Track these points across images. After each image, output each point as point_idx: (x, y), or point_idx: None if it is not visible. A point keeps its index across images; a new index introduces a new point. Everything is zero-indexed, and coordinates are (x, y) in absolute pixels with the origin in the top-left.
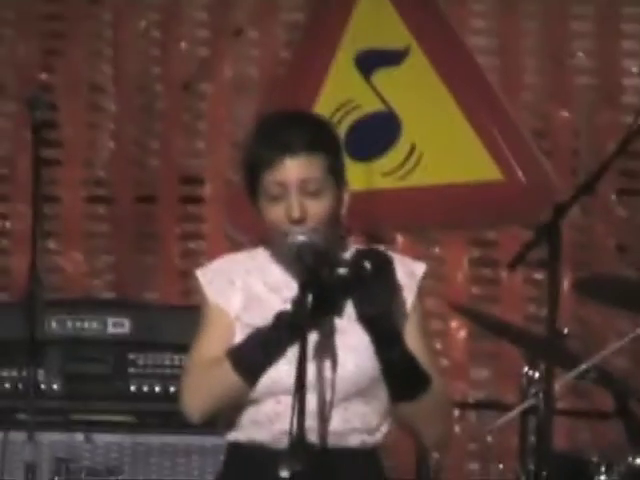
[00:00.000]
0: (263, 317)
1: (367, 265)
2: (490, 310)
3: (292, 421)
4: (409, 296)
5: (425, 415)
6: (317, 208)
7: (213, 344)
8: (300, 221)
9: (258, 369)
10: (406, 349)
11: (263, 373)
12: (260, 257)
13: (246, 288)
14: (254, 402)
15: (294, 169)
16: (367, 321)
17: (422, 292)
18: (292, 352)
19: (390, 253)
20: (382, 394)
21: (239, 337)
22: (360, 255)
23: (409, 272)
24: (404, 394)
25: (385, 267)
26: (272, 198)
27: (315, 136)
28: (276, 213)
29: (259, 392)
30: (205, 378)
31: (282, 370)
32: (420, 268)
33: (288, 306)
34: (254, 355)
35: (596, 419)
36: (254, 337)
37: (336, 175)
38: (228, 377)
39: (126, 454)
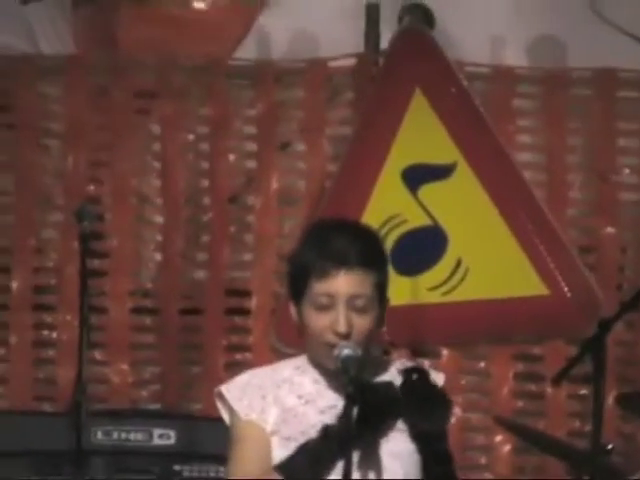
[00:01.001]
0: (301, 430)
1: (414, 377)
2: (535, 424)
3: None
4: None
5: None
6: (362, 324)
7: (253, 461)
8: (346, 336)
9: None
10: (454, 468)
11: None
12: (287, 370)
13: (278, 402)
14: None
15: (347, 283)
16: (423, 440)
17: None
18: (340, 464)
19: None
20: None
21: (278, 451)
22: (406, 371)
23: (434, 377)
24: None
25: (430, 384)
26: (319, 307)
27: (370, 251)
28: (322, 322)
29: None
30: None
31: None
32: (441, 379)
33: (325, 417)
34: (305, 470)
35: None
36: (303, 452)
37: (382, 292)
38: None
39: None
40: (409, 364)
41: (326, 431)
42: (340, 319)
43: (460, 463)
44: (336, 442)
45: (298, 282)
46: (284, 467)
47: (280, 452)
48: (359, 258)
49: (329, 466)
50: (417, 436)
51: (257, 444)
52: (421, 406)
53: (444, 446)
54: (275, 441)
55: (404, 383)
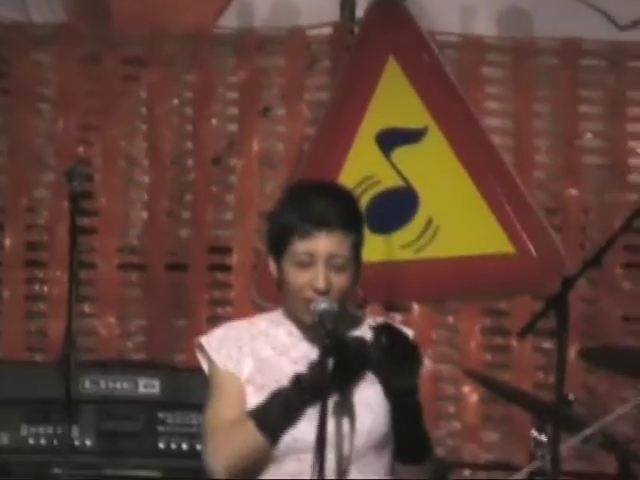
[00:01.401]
0: (275, 379)
1: (383, 333)
2: (501, 376)
3: (314, 477)
4: None
5: (419, 477)
6: (340, 282)
7: (229, 408)
8: (324, 293)
9: (280, 429)
10: (424, 423)
11: (285, 432)
12: (263, 323)
13: (254, 353)
14: (276, 460)
15: (327, 243)
16: (395, 395)
17: None
18: (310, 412)
19: (385, 319)
20: (389, 449)
21: (253, 399)
22: (377, 328)
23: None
24: (413, 458)
25: (405, 341)
26: (299, 264)
27: (349, 214)
28: (301, 279)
29: (281, 450)
30: (229, 439)
31: (302, 429)
32: (410, 332)
33: (297, 367)
34: (277, 416)
35: None
36: (275, 399)
37: (358, 252)
38: (252, 437)
39: None
40: (381, 320)
41: (298, 380)
42: (319, 277)
43: (430, 412)
44: (307, 390)
45: (279, 240)
46: (256, 413)
47: (254, 399)
48: (339, 220)
49: (299, 413)
50: (388, 390)
51: (233, 392)
52: (392, 362)
53: (414, 400)
54: (250, 389)
55: (376, 339)
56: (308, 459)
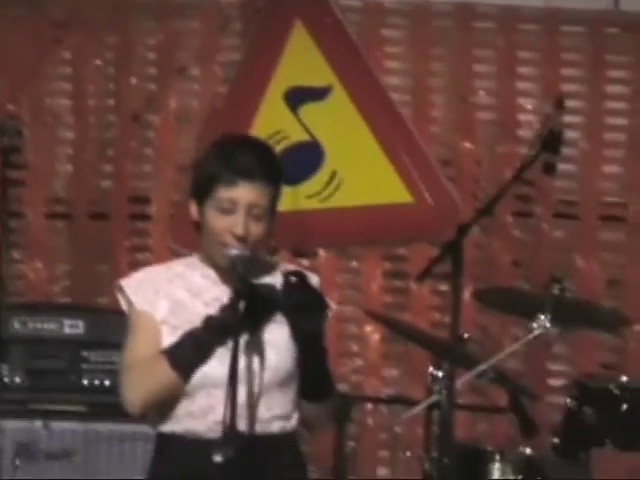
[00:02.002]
0: (188, 319)
1: (292, 280)
2: (401, 317)
3: (225, 411)
4: None
5: (322, 414)
6: (257, 230)
7: (144, 346)
8: (242, 239)
9: (192, 366)
10: (328, 364)
11: (196, 370)
12: (179, 267)
13: (170, 295)
14: (188, 396)
15: (248, 192)
16: (301, 338)
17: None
18: (220, 350)
19: (292, 265)
20: (294, 386)
21: (167, 338)
22: (287, 275)
23: (309, 278)
24: (316, 396)
25: (312, 289)
26: (221, 210)
27: (271, 168)
28: (221, 224)
29: (192, 386)
30: (143, 376)
31: (212, 366)
32: (315, 278)
33: (210, 309)
34: (188, 354)
35: (492, 413)
36: (187, 338)
37: (275, 204)
38: (165, 374)
39: (79, 440)
40: (291, 268)
41: (209, 321)
42: (239, 224)
43: (334, 351)
44: (217, 331)
45: (204, 187)
46: (169, 352)
47: (168, 339)
48: (262, 173)
49: (209, 352)
50: (295, 334)
51: (148, 332)
52: (299, 308)
53: (319, 343)
54: (165, 330)
55: (285, 285)
56: (218, 394)
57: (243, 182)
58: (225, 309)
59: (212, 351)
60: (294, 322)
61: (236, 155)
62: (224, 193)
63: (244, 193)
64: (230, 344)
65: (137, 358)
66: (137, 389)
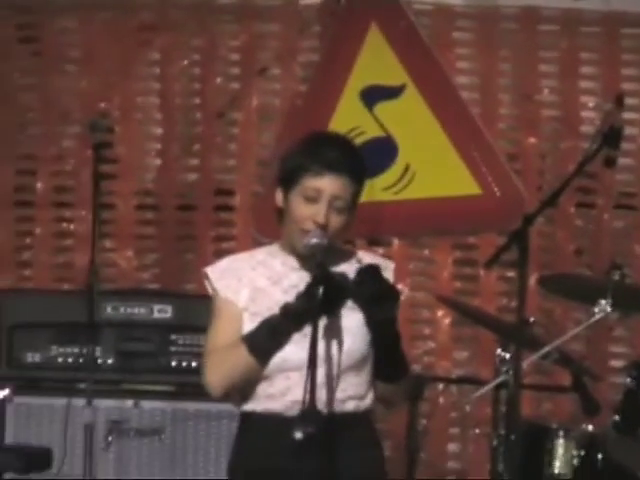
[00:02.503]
0: (267, 306)
1: (365, 276)
2: (470, 302)
3: (305, 392)
4: None
5: (398, 393)
6: (337, 222)
7: (227, 332)
8: (322, 227)
9: (269, 352)
10: (402, 348)
11: (273, 355)
12: (261, 255)
13: (251, 283)
14: (267, 378)
15: (332, 184)
16: (375, 326)
17: (396, 281)
18: (297, 336)
19: (369, 253)
20: (368, 368)
21: (247, 325)
22: (361, 268)
23: (384, 266)
24: (391, 377)
25: (384, 280)
26: (306, 198)
27: (357, 165)
28: (304, 212)
29: (270, 370)
30: (224, 360)
31: (289, 351)
32: (391, 264)
33: (288, 296)
34: (265, 341)
35: (556, 393)
36: (265, 325)
37: (356, 200)
38: (244, 359)
39: (167, 418)
40: (367, 257)
41: (285, 309)
42: (321, 212)
43: (407, 334)
44: (292, 318)
45: (293, 175)
46: (248, 338)
47: (249, 326)
48: (347, 168)
49: (286, 338)
50: (369, 321)
51: (230, 318)
52: (373, 298)
53: (392, 329)
54: (246, 316)
55: (359, 276)
56: (295, 376)
57: (329, 174)
58: (301, 297)
59: (288, 338)
60: (368, 311)
61: (325, 149)
62: (311, 182)
63: (329, 184)
64: (306, 330)
65: (218, 344)
66: (218, 373)
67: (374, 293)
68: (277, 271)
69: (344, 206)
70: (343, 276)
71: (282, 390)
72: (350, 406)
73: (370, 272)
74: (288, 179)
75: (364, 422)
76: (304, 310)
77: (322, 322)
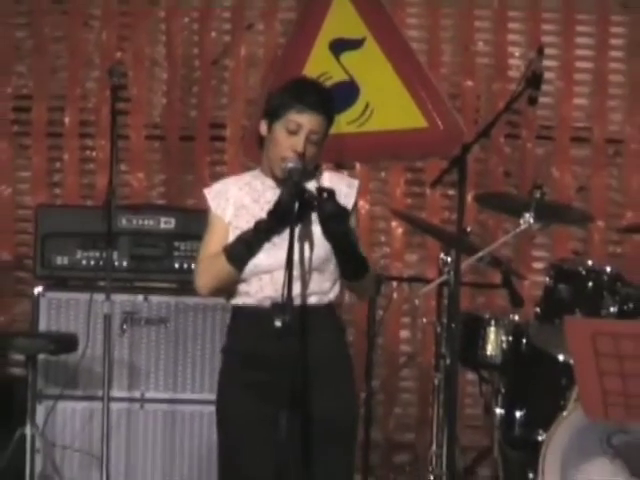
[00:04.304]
0: (246, 220)
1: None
2: (418, 215)
3: (283, 288)
4: (351, 200)
5: (363, 287)
6: (311, 151)
7: (214, 243)
8: (299, 155)
9: (244, 260)
10: (359, 252)
11: (248, 262)
12: (247, 177)
13: (237, 201)
14: (244, 280)
15: (311, 121)
16: (332, 237)
17: (358, 198)
18: (266, 245)
19: (337, 173)
20: (330, 269)
21: (231, 236)
22: (320, 190)
23: (349, 184)
24: (353, 277)
25: (336, 200)
26: (288, 130)
27: (330, 107)
28: (286, 142)
29: (246, 274)
30: (209, 268)
31: (261, 257)
32: (356, 182)
33: (264, 212)
34: (241, 251)
35: (488, 289)
36: (240, 238)
37: (327, 134)
38: (225, 266)
39: (171, 310)
40: (335, 179)
41: (257, 225)
42: (300, 143)
43: (367, 241)
44: (262, 232)
45: (278, 110)
46: (226, 249)
47: (232, 237)
48: (324, 109)
49: (257, 248)
50: (327, 235)
51: (219, 231)
52: (330, 216)
53: (347, 239)
54: (230, 229)
55: (318, 198)
56: (266, 278)
57: (309, 113)
58: (270, 214)
59: (259, 248)
60: (324, 226)
61: (307, 92)
62: (294, 117)
63: (308, 121)
64: (274, 240)
65: (206, 253)
66: (203, 278)
67: (329, 212)
68: (257, 190)
69: (318, 140)
70: (314, 191)
71: (256, 289)
72: (314, 299)
73: (328, 194)
74: (274, 113)
75: (328, 313)
76: (274, 225)
77: (297, 229)
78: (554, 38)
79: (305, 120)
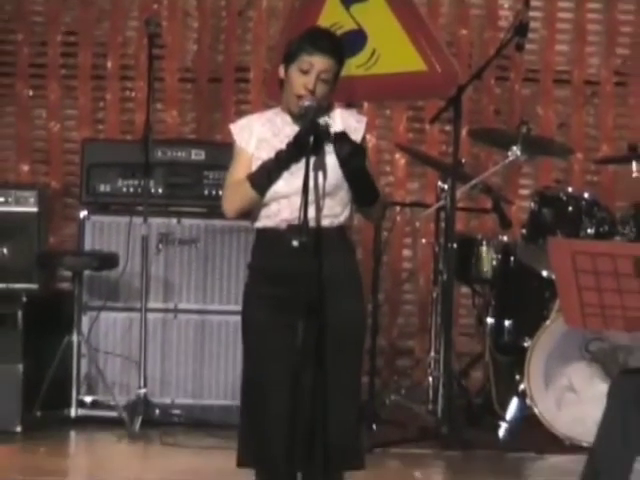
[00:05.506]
0: (268, 152)
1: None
2: (419, 148)
3: (300, 211)
4: (359, 133)
5: (375, 211)
6: (322, 89)
7: (240, 171)
8: (312, 92)
9: (265, 186)
10: (372, 182)
11: (269, 188)
12: (269, 114)
13: (259, 135)
14: (265, 204)
15: (321, 61)
16: (350, 171)
17: (365, 132)
18: (285, 173)
19: (347, 110)
20: (341, 194)
21: (254, 166)
22: (335, 133)
23: (358, 120)
24: (366, 203)
25: (352, 141)
26: (301, 70)
27: (339, 50)
28: (299, 81)
29: (267, 199)
30: (234, 193)
31: (280, 185)
32: (364, 118)
33: (282, 144)
34: (262, 178)
35: (481, 213)
36: (262, 166)
37: (337, 75)
38: (248, 191)
39: (201, 231)
40: (345, 114)
41: (277, 155)
42: (312, 80)
43: (374, 172)
44: (281, 161)
45: (293, 54)
46: (250, 176)
47: (254, 166)
48: (332, 51)
49: (277, 175)
50: (345, 170)
51: (242, 162)
52: (347, 154)
53: (364, 170)
54: (253, 160)
55: (335, 139)
56: (284, 202)
57: (319, 54)
58: (289, 145)
59: (278, 176)
60: (343, 164)
61: (318, 37)
62: (306, 58)
63: (318, 61)
64: (292, 168)
65: (232, 180)
66: (230, 202)
67: (347, 150)
68: (277, 125)
69: (328, 78)
70: (327, 125)
71: (275, 212)
72: (326, 222)
73: (343, 136)
74: (290, 57)
75: (340, 234)
76: (292, 155)
77: (312, 160)
78: None
79: (315, 60)
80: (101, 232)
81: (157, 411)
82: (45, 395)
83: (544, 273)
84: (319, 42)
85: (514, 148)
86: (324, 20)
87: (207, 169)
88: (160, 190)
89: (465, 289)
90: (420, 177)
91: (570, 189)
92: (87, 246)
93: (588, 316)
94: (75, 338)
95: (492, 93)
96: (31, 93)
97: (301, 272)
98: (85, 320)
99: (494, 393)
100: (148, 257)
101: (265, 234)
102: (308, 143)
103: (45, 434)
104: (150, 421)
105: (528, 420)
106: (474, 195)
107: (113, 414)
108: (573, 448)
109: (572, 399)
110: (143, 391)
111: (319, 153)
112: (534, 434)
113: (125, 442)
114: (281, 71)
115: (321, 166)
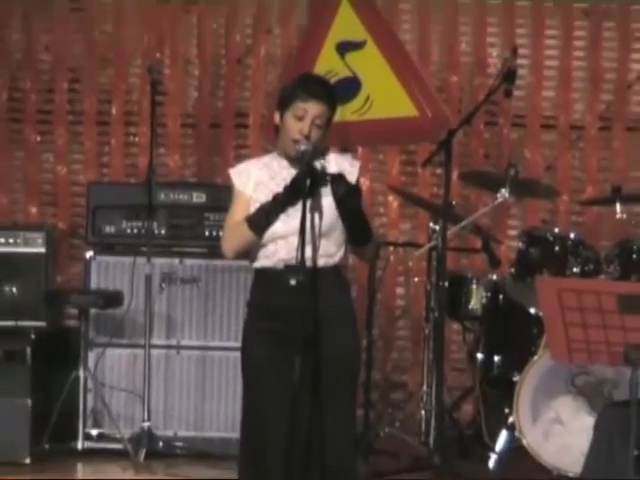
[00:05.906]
0: (266, 195)
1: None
2: (411, 190)
3: (297, 251)
4: (353, 176)
5: (368, 251)
6: (316, 134)
7: (239, 213)
8: (307, 137)
9: (263, 228)
10: (367, 223)
11: (266, 229)
12: (266, 159)
13: (257, 178)
14: (263, 245)
15: (316, 107)
16: (346, 212)
17: (360, 175)
18: (282, 215)
19: (341, 154)
20: (335, 235)
21: (252, 209)
22: (332, 176)
23: (352, 163)
24: (360, 243)
25: (348, 183)
26: (296, 117)
27: (331, 96)
28: (295, 126)
29: (265, 240)
30: (234, 233)
31: (277, 225)
32: (357, 162)
33: (279, 187)
34: (261, 219)
35: (471, 252)
36: (260, 209)
37: (330, 120)
38: (247, 233)
39: (202, 270)
40: (340, 159)
41: (274, 197)
42: (306, 126)
43: (368, 213)
44: (279, 204)
45: (288, 101)
46: (248, 218)
47: (252, 209)
48: (325, 97)
49: (274, 217)
50: (341, 211)
51: (242, 204)
52: (343, 196)
53: (359, 212)
54: (251, 203)
55: (331, 182)
56: (281, 243)
57: (313, 100)
58: (286, 189)
59: (276, 217)
60: (340, 204)
61: (311, 84)
62: (300, 105)
63: (312, 107)
64: (289, 211)
65: (232, 222)
66: (229, 242)
67: (343, 192)
68: (274, 169)
69: (321, 124)
70: (323, 168)
71: (272, 252)
72: (322, 262)
73: (340, 177)
74: (285, 103)
75: (335, 273)
76: (289, 198)
77: (308, 202)
78: (526, 40)
79: (309, 107)
80: (106, 271)
81: (161, 443)
82: (53, 428)
83: (532, 310)
84: (312, 89)
85: (503, 190)
86: (320, 67)
87: (208, 211)
88: (163, 231)
89: (456, 325)
90: (412, 218)
91: (556, 229)
92: (93, 285)
93: (574, 351)
94: (82, 373)
95: (481, 137)
96: (39, 138)
97: (298, 309)
98: (91, 356)
99: (484, 425)
100: (151, 295)
101: (263, 273)
102: (305, 186)
103: (53, 466)
104: (154, 453)
105: (517, 451)
106: (464, 235)
107: (118, 446)
108: (560, 478)
109: (559, 431)
110: (147, 424)
111: (315, 195)
112: (523, 465)
113: (130, 473)
114: (276, 117)
115: (317, 208)
